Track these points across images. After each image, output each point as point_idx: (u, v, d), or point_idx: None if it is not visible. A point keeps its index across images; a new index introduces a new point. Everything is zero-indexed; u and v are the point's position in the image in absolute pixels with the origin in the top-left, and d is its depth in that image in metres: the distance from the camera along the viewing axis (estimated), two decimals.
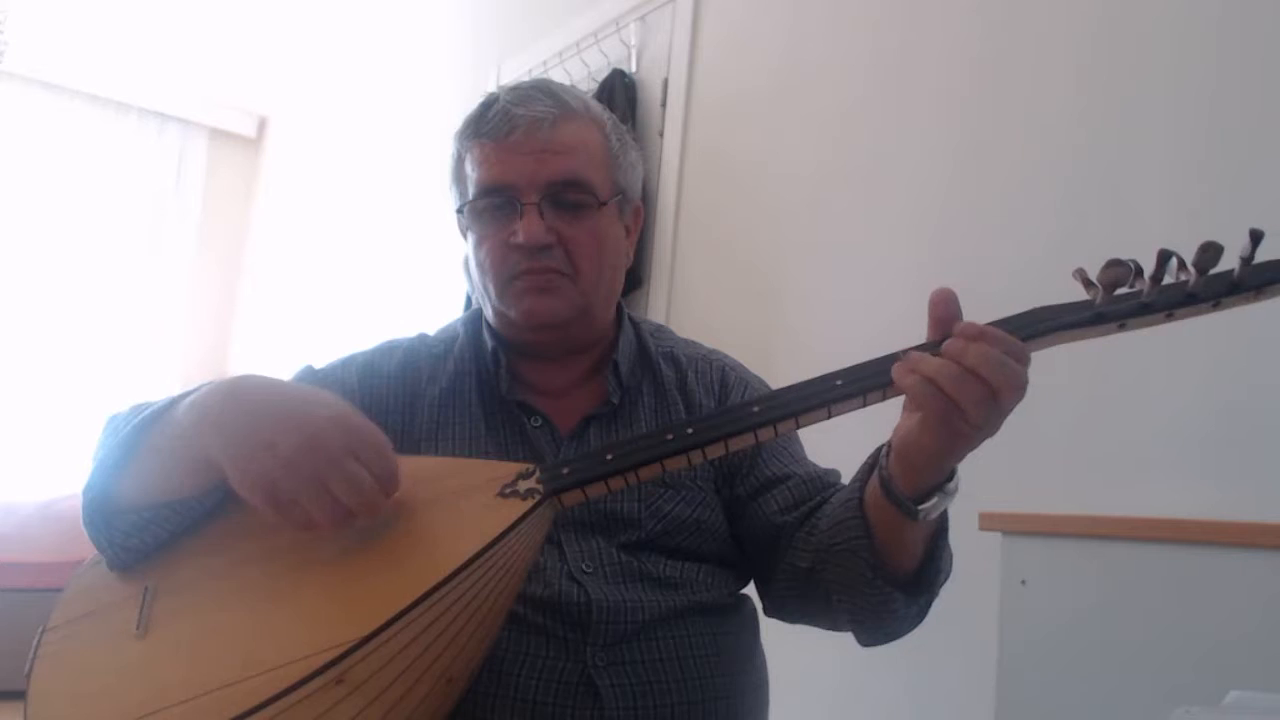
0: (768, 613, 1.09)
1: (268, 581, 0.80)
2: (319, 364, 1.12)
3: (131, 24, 4.72)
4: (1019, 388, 0.77)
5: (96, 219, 4.64)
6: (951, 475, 0.84)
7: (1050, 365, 1.62)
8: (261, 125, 5.08)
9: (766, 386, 1.16)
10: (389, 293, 3.73)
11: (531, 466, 0.86)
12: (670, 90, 2.60)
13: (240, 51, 4.98)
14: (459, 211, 1.08)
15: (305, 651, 0.70)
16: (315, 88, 4.65)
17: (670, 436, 0.84)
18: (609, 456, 0.85)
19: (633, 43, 2.74)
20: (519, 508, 0.82)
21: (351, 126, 4.24)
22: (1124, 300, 0.80)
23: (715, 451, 0.84)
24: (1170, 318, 0.80)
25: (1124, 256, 0.79)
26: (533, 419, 1.05)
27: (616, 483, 0.85)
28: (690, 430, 0.84)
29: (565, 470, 0.85)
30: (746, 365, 1.18)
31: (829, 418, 0.83)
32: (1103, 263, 0.79)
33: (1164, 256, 0.77)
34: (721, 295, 2.36)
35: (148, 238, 4.76)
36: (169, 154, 4.86)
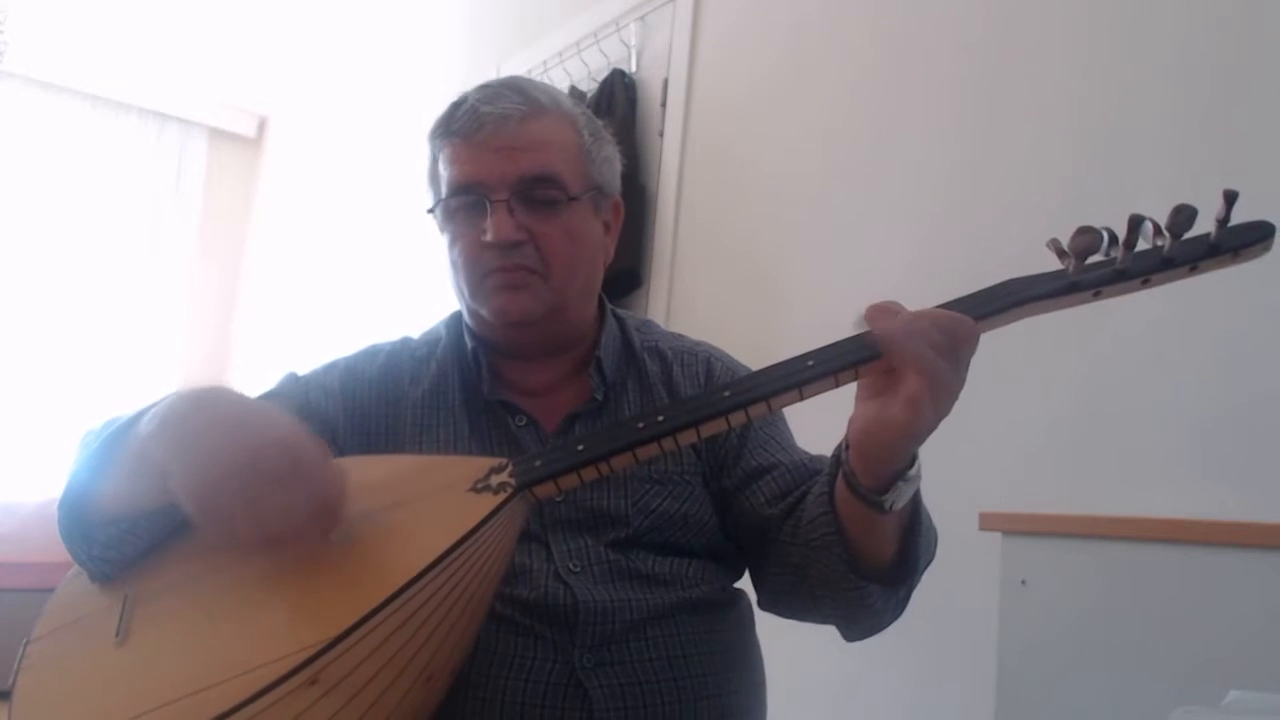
0: (762, 607, 1.08)
1: (242, 586, 0.80)
2: (302, 371, 1.12)
3: (131, 24, 4.71)
4: (971, 338, 0.78)
5: (96, 219, 4.63)
6: (912, 462, 0.83)
7: (1050, 365, 1.62)
8: (261, 125, 5.08)
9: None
10: (389, 293, 3.73)
11: (504, 461, 0.86)
12: (670, 90, 2.60)
13: (240, 51, 4.98)
14: (430, 211, 1.08)
15: (278, 654, 0.70)
16: (315, 88, 4.65)
17: (641, 425, 0.84)
18: (580, 447, 0.85)
19: (633, 43, 2.74)
20: (490, 502, 0.82)
21: (351, 126, 4.24)
22: (1098, 268, 0.78)
23: (687, 438, 0.84)
24: (1147, 284, 0.78)
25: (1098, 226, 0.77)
26: (516, 418, 1.05)
27: (589, 473, 0.84)
28: (661, 417, 0.83)
29: (537, 463, 0.85)
30: (747, 364, 1.18)
31: (801, 399, 0.82)
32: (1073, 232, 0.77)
33: (1135, 221, 0.76)
34: (721, 295, 2.36)
35: (148, 238, 4.76)
36: (169, 154, 4.85)
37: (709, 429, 0.84)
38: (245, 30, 4.95)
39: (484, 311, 1.04)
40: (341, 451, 1.02)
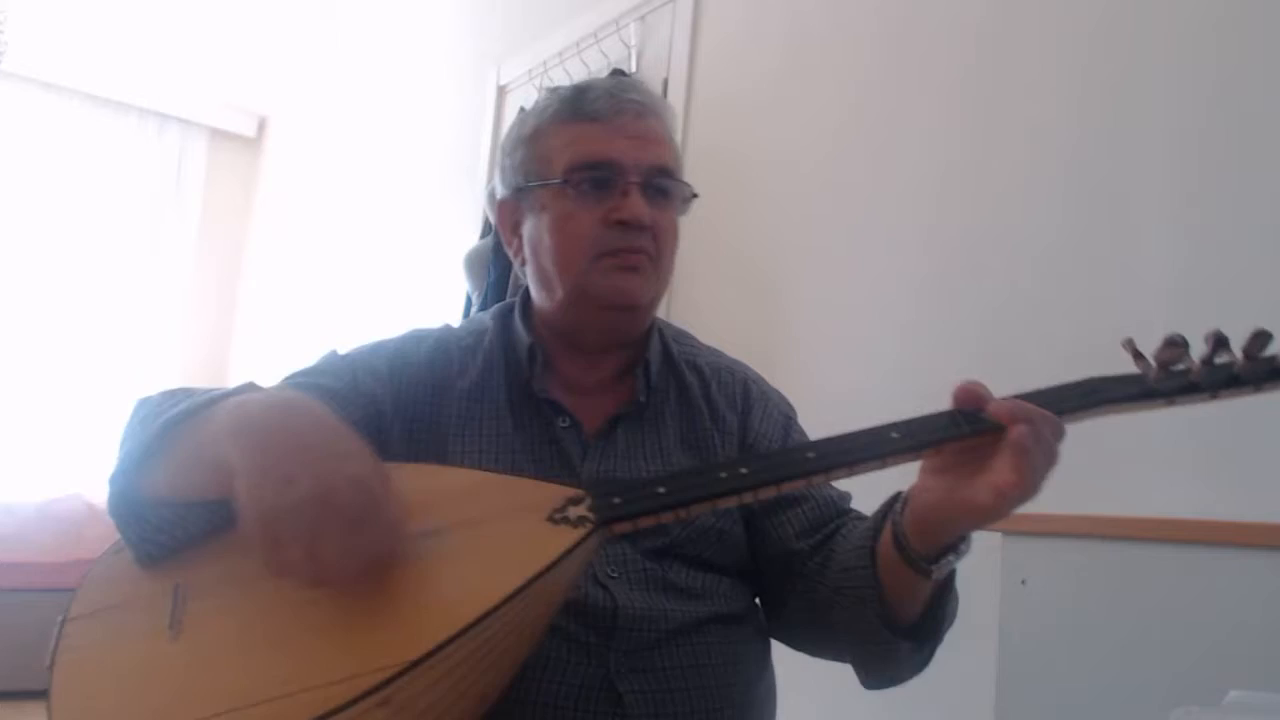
0: (774, 635, 1.09)
1: (309, 592, 0.76)
2: (342, 351, 1.10)
3: (131, 24, 4.72)
4: (1061, 439, 0.83)
5: (96, 219, 4.64)
6: (965, 536, 0.85)
7: (1049, 364, 1.62)
8: (261, 125, 5.08)
9: (786, 402, 1.16)
10: (389, 293, 3.73)
11: (581, 493, 0.84)
12: (670, 90, 2.60)
13: (240, 51, 4.98)
14: (534, 188, 1.06)
15: (353, 670, 0.69)
16: (315, 88, 4.65)
17: (724, 474, 0.83)
18: (661, 490, 0.83)
19: (633, 43, 2.74)
20: (570, 535, 0.80)
21: (351, 127, 4.24)
22: (1174, 377, 0.84)
23: (767, 493, 0.85)
24: (1215, 397, 0.84)
25: (1176, 332, 0.85)
26: (561, 419, 1.04)
27: (667, 516, 0.84)
28: (744, 470, 0.83)
29: (616, 500, 0.83)
30: (749, 364, 1.19)
31: (882, 468, 0.83)
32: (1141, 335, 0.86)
33: (1220, 341, 0.83)
34: (721, 294, 2.36)
35: (148, 238, 4.76)
36: (169, 154, 4.86)
37: (790, 488, 0.85)
38: (245, 30, 4.95)
39: (595, 290, 1.02)
40: (386, 436, 1.00)
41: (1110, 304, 1.58)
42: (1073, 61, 1.72)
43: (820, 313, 2.09)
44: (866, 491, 1.01)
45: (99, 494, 3.90)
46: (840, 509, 1.07)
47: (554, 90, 1.09)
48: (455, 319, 2.50)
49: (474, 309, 2.80)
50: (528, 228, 1.08)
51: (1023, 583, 1.32)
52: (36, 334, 4.48)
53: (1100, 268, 1.60)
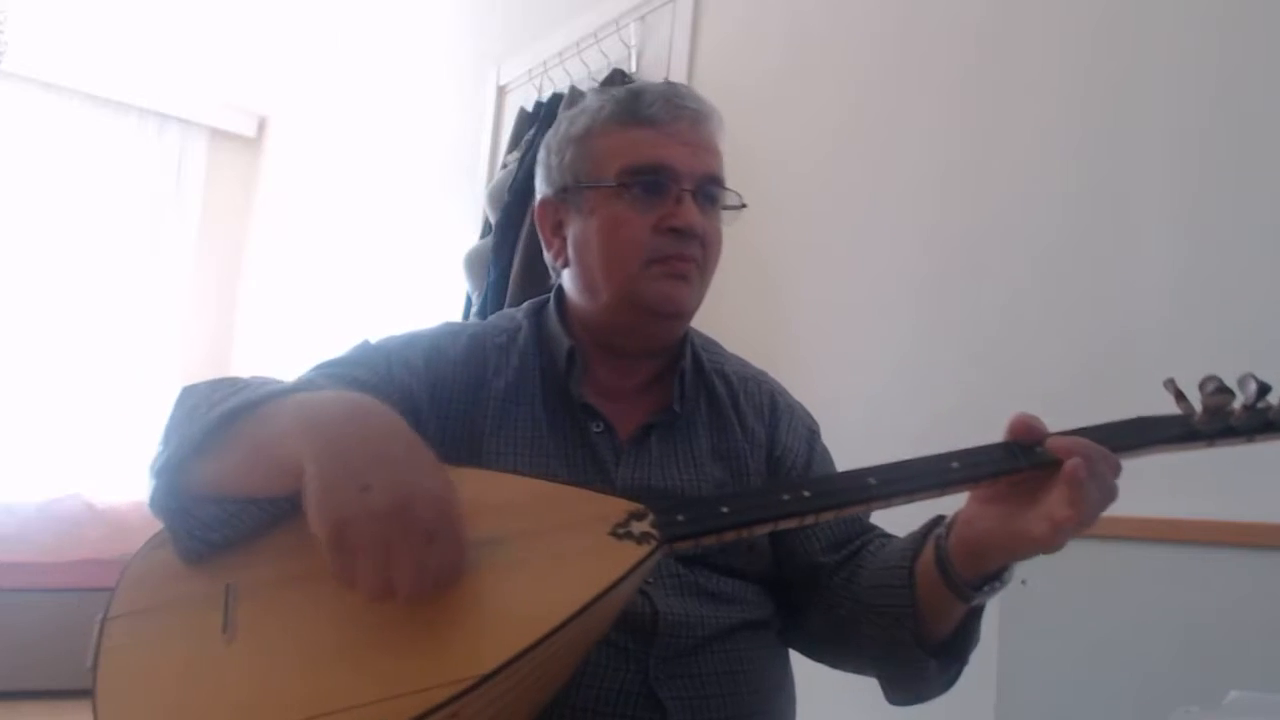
0: (793, 645, 1.09)
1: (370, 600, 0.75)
2: (374, 340, 1.08)
3: (131, 24, 4.72)
4: (1118, 475, 0.86)
5: (96, 219, 4.64)
6: (1010, 565, 0.87)
7: (1048, 364, 1.62)
8: (261, 125, 5.08)
9: (810, 416, 1.17)
10: (389, 292, 3.73)
11: (642, 508, 0.83)
12: None
13: (240, 51, 4.98)
14: (584, 189, 1.05)
15: (423, 683, 0.68)
16: (315, 88, 4.65)
17: (786, 496, 0.84)
18: (725, 509, 0.83)
19: (633, 43, 2.74)
20: (634, 552, 0.79)
21: (351, 127, 4.24)
22: (1216, 421, 0.88)
23: (828, 516, 0.86)
24: (1250, 440, 0.88)
25: (1214, 371, 0.89)
26: (595, 423, 1.04)
27: (730, 536, 0.84)
28: (808, 493, 0.84)
29: (680, 517, 0.82)
30: (753, 364, 1.19)
31: (940, 496, 0.84)
32: (1190, 375, 0.89)
33: (1263, 389, 0.87)
34: (723, 293, 2.35)
35: (148, 238, 4.76)
36: (169, 154, 4.86)
37: (850, 513, 0.87)
38: (245, 30, 4.95)
39: (642, 296, 1.02)
40: (420, 431, 0.97)
41: (1111, 304, 1.58)
42: (1074, 61, 1.72)
43: (820, 313, 2.09)
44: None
45: (99, 494, 3.91)
46: (864, 525, 1.07)
47: (605, 91, 1.08)
48: (456, 319, 2.48)
49: (474, 309, 2.79)
50: (573, 229, 1.06)
51: (1023, 583, 1.32)
52: (37, 334, 4.48)
53: (1101, 268, 1.60)
